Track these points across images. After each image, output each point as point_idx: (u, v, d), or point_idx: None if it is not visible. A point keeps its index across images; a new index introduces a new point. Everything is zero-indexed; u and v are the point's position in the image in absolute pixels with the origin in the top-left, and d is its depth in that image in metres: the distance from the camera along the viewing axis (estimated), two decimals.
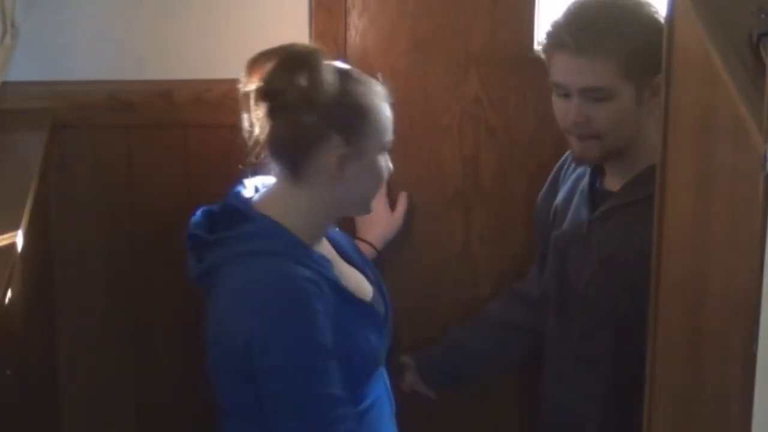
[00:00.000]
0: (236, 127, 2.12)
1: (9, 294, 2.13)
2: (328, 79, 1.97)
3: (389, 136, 2.04)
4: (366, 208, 2.16)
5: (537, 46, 2.65)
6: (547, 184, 2.35)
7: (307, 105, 1.95)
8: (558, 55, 2.05)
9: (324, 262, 2.05)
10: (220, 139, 2.56)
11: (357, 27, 2.75)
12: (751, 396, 1.22)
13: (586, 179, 2.17)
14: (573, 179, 2.25)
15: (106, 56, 2.62)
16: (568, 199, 2.24)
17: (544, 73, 2.43)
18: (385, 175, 2.07)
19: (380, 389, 2.16)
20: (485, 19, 2.74)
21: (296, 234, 2.02)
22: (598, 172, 2.16)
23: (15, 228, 2.21)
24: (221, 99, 2.54)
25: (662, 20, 1.94)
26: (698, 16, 1.62)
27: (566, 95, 2.05)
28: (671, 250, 1.92)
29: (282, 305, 1.99)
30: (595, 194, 2.15)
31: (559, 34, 2.02)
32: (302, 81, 1.95)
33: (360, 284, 2.16)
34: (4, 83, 2.44)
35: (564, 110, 2.05)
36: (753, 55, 1.42)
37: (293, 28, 2.64)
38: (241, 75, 2.00)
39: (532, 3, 2.69)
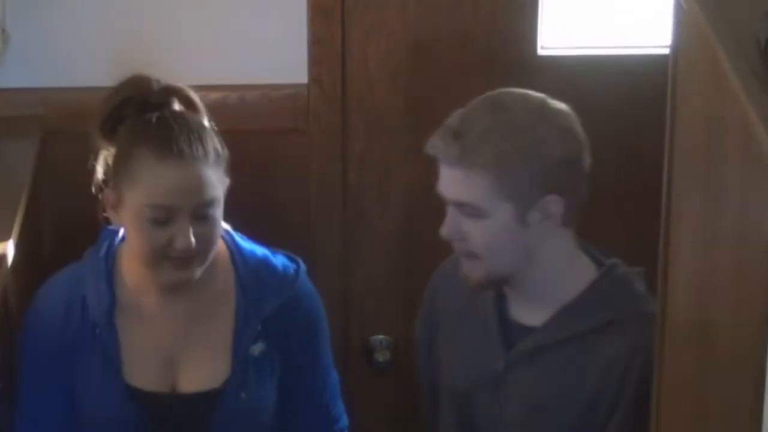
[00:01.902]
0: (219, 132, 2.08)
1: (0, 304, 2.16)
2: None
3: (153, 199, 1.91)
4: (145, 264, 1.99)
5: (540, 50, 2.66)
6: (422, 311, 2.16)
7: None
8: (439, 160, 1.95)
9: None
10: None
11: (356, 32, 2.65)
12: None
13: (492, 308, 1.97)
14: (461, 303, 2.05)
15: (98, 63, 2.56)
16: (460, 329, 2.05)
17: (548, 75, 2.52)
18: (145, 245, 1.94)
19: None
20: (486, 21, 2.68)
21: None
22: (502, 300, 1.99)
23: (6, 238, 2.18)
24: (212, 105, 2.37)
25: (560, 132, 1.86)
26: (707, 22, 1.55)
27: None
28: (680, 239, 1.78)
29: None
30: (505, 326, 1.96)
31: (435, 139, 1.88)
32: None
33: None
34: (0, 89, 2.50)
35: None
36: (762, 60, 1.37)
37: (291, 33, 2.58)
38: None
39: (535, 4, 2.65)
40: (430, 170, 2.34)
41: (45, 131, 2.47)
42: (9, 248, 2.16)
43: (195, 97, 2.02)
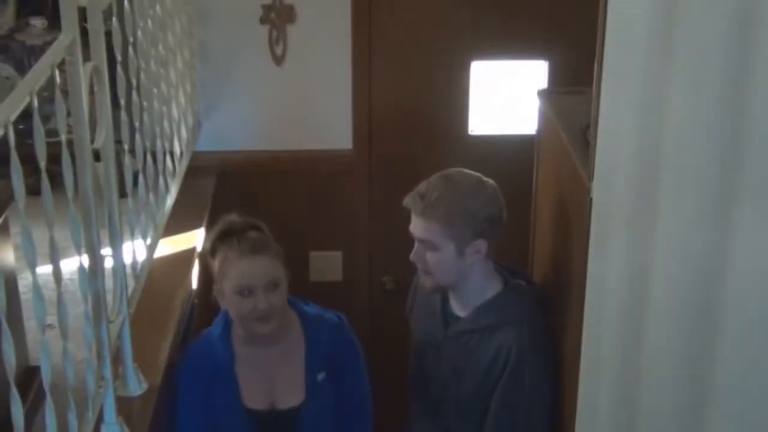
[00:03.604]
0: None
1: (195, 285, 2.66)
2: None
3: (237, 282, 2.14)
4: (241, 325, 2.21)
5: (470, 131, 3.39)
6: (408, 297, 2.46)
7: None
8: (411, 211, 2.14)
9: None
10: (294, 183, 3.39)
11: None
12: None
13: (439, 302, 2.24)
14: (424, 297, 2.31)
15: (247, 135, 3.44)
16: (422, 309, 2.30)
17: (475, 148, 3.23)
18: (236, 311, 2.19)
19: None
20: (432, 111, 3.38)
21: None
22: (445, 298, 2.23)
23: (196, 234, 2.81)
24: (309, 159, 3.38)
25: (491, 197, 2.11)
26: (558, 118, 2.30)
27: None
28: (541, 245, 2.50)
29: None
30: (446, 314, 2.22)
31: (408, 198, 2.10)
32: None
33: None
34: (194, 152, 3.15)
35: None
36: (582, 137, 1.99)
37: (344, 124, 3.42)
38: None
39: (467, 101, 3.38)
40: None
41: (219, 172, 3.26)
42: (199, 238, 2.80)
43: (260, 223, 2.26)
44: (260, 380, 2.19)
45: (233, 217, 2.21)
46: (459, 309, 2.20)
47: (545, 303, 2.20)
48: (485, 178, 2.12)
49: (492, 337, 2.09)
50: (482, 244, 2.07)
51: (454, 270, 2.11)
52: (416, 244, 2.10)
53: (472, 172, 2.13)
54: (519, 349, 2.05)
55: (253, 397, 2.18)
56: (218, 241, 2.18)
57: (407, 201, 2.08)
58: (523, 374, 2.03)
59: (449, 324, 2.19)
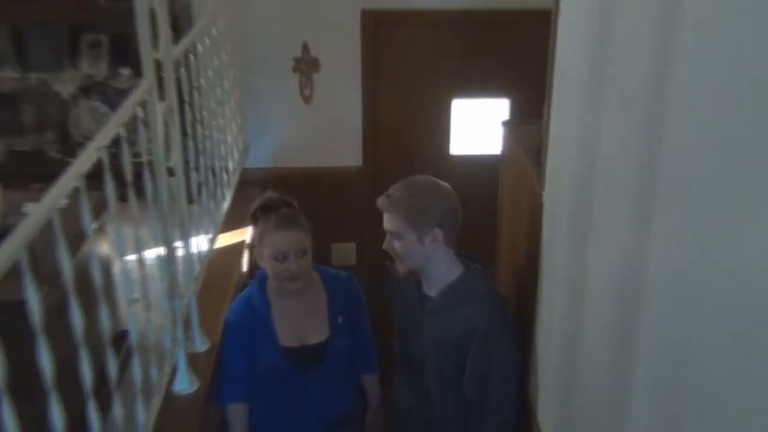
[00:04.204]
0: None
1: (245, 268, 2.61)
2: None
3: (273, 250, 2.05)
4: (278, 286, 2.11)
5: (451, 152, 3.33)
6: (386, 284, 2.22)
7: None
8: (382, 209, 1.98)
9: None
10: (318, 191, 3.21)
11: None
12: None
13: (414, 285, 2.07)
14: (401, 282, 2.12)
15: (283, 157, 3.38)
16: (401, 296, 2.12)
17: (455, 167, 3.11)
18: (272, 272, 2.08)
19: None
20: (419, 133, 3.27)
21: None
22: (419, 282, 2.06)
23: (244, 231, 2.72)
24: (327, 173, 3.28)
25: (443, 196, 1.95)
26: (518, 143, 2.27)
27: None
28: (506, 239, 2.43)
29: None
30: (421, 297, 2.06)
31: (379, 199, 1.97)
32: None
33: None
34: (243, 168, 3.09)
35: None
36: (536, 157, 1.92)
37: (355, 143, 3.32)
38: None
39: (449, 125, 3.35)
40: None
41: (262, 183, 2.92)
42: (247, 234, 2.68)
43: (292, 200, 2.15)
44: (291, 324, 2.11)
45: (271, 194, 2.13)
46: (429, 290, 2.04)
47: (497, 283, 2.09)
48: (441, 182, 1.99)
49: (460, 312, 1.95)
50: (439, 233, 1.92)
51: (418, 255, 1.95)
52: (387, 236, 1.97)
53: (430, 177, 2.00)
54: (484, 320, 1.92)
55: (287, 337, 2.10)
56: (259, 212, 2.09)
57: (378, 202, 1.97)
58: (490, 340, 1.91)
59: (424, 304, 2.04)
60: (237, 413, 2.08)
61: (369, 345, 2.28)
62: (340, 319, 2.14)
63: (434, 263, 1.97)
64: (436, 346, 1.97)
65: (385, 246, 1.95)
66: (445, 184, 1.97)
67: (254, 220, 2.08)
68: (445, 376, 1.96)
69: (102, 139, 1.38)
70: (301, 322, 2.11)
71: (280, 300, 2.11)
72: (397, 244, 1.94)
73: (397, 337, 2.13)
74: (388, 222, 1.93)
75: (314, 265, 2.15)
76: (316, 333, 2.11)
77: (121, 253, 1.52)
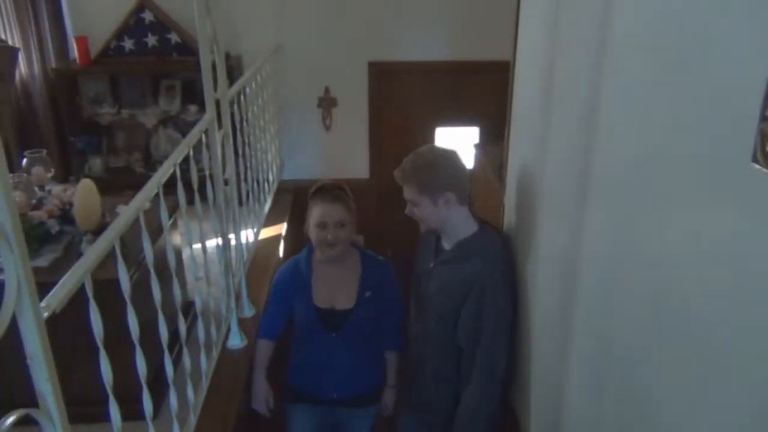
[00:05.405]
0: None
1: (281, 255, 2.54)
2: None
3: (317, 219, 1.86)
4: (318, 248, 1.92)
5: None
6: (419, 239, 1.97)
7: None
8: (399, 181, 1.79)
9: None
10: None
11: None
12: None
13: (434, 240, 1.88)
14: (426, 237, 1.92)
15: (310, 171, 3.34)
16: (423, 249, 1.94)
17: None
18: (314, 238, 1.88)
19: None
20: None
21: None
22: (439, 238, 1.88)
23: (281, 225, 2.77)
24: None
25: (447, 162, 1.71)
26: (486, 160, 2.25)
27: None
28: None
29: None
30: (438, 248, 1.87)
31: (395, 172, 1.77)
32: None
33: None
34: (280, 180, 3.12)
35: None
36: (501, 174, 1.93)
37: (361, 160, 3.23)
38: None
39: (434, 142, 3.23)
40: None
41: (294, 192, 3.11)
42: (283, 229, 2.75)
43: (342, 184, 1.97)
44: (326, 288, 1.93)
45: (326, 181, 1.95)
46: (446, 244, 1.82)
47: (509, 245, 1.82)
48: (445, 148, 1.74)
49: (467, 263, 1.72)
50: (450, 195, 1.70)
51: (434, 216, 1.73)
52: (408, 203, 1.76)
53: (434, 146, 1.77)
54: (485, 274, 1.69)
55: (320, 299, 1.92)
56: (314, 194, 1.92)
57: (395, 175, 1.75)
58: (486, 291, 1.69)
59: (438, 255, 1.83)
60: (263, 347, 1.94)
61: (396, 326, 2.03)
62: (367, 294, 1.94)
63: (450, 222, 1.75)
64: (442, 292, 1.78)
65: (407, 211, 1.76)
66: (450, 149, 1.74)
67: (311, 198, 1.92)
68: (444, 320, 1.78)
69: (176, 158, 1.38)
70: (334, 288, 1.93)
71: (320, 267, 1.95)
72: (415, 210, 1.75)
73: (413, 282, 1.93)
74: (406, 192, 1.74)
75: (357, 246, 1.99)
76: (345, 300, 1.93)
77: (189, 243, 1.53)
